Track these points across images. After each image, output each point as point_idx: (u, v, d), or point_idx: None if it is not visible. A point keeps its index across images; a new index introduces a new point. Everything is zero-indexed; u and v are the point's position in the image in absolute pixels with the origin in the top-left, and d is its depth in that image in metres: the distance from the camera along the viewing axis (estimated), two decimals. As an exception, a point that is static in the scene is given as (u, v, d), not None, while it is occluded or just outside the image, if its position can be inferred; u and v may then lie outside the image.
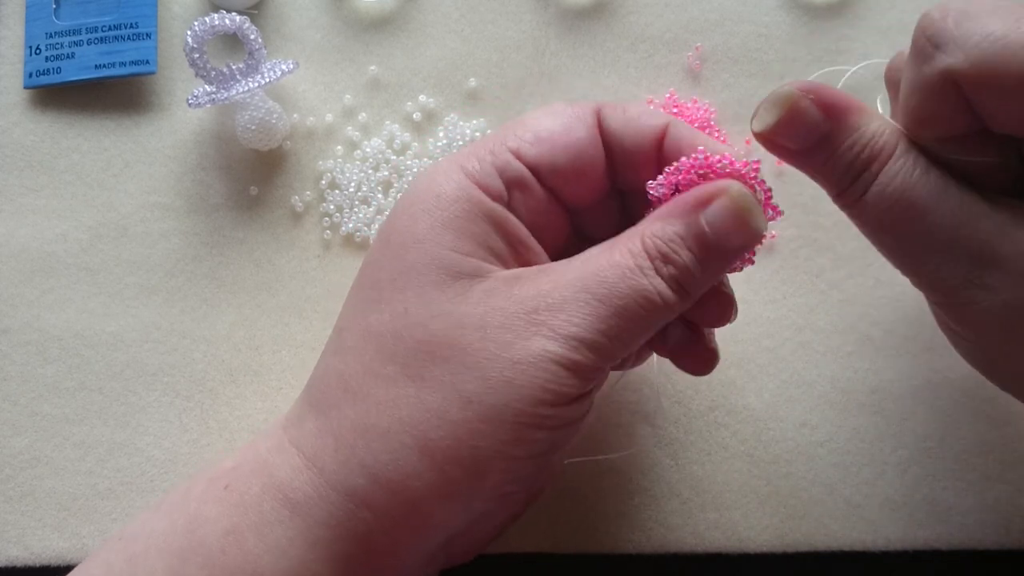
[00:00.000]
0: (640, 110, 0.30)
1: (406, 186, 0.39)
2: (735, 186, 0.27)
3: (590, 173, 0.30)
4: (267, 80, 0.38)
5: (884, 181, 0.26)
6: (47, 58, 0.41)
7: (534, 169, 0.29)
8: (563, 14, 0.41)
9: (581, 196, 0.30)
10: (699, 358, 0.31)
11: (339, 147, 0.40)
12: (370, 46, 0.41)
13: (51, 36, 0.41)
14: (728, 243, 0.27)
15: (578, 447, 0.36)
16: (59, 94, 0.41)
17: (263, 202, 0.40)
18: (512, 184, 0.29)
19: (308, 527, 0.27)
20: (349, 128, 0.40)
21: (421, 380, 0.26)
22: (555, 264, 0.28)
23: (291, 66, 0.39)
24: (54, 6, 0.41)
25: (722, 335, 0.37)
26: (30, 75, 0.41)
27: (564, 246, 0.31)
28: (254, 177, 0.40)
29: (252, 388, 0.38)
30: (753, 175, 0.28)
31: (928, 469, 0.36)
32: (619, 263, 0.27)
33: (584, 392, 0.27)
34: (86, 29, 0.41)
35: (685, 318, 0.30)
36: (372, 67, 0.41)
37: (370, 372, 0.27)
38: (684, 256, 0.27)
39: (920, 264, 0.27)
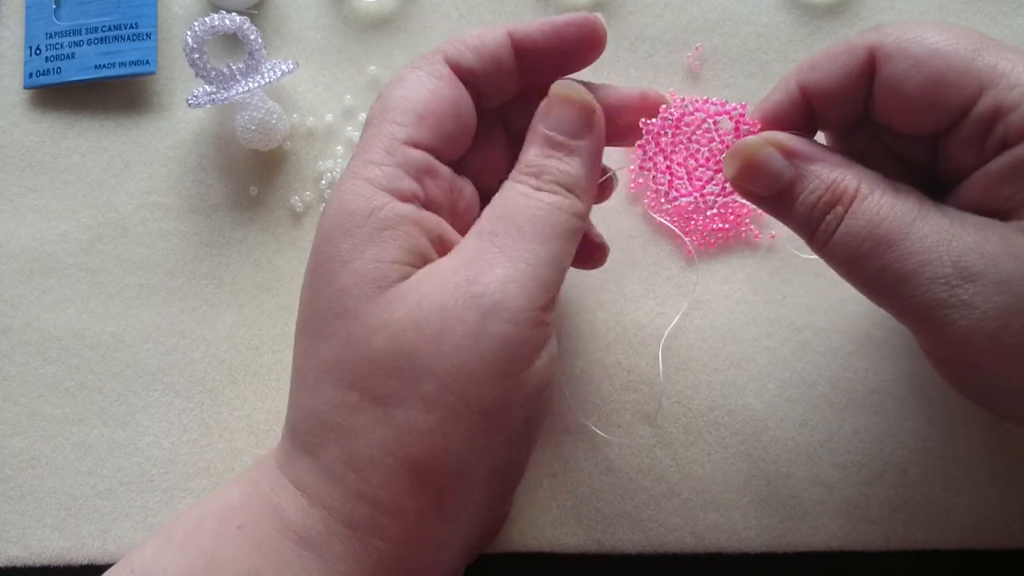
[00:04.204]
0: (479, 35, 0.31)
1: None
2: (552, 86, 0.30)
3: (469, 120, 0.30)
4: (267, 80, 0.38)
5: (851, 221, 0.28)
6: (47, 58, 0.41)
7: (432, 150, 0.29)
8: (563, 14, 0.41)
9: (462, 145, 0.31)
10: (588, 252, 0.35)
11: (339, 147, 0.40)
12: (370, 46, 0.41)
13: (51, 36, 0.41)
14: (567, 127, 0.29)
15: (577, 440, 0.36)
16: (59, 94, 0.41)
17: (263, 202, 0.40)
18: (421, 176, 0.29)
19: (330, 564, 0.27)
20: (349, 128, 0.40)
21: (384, 398, 0.26)
22: (463, 238, 0.29)
23: (291, 66, 0.39)
24: (54, 6, 0.41)
25: (722, 335, 0.37)
26: (30, 75, 0.41)
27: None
28: (254, 177, 0.40)
29: (252, 388, 0.38)
30: (741, 117, 0.31)
31: (928, 469, 0.36)
32: (508, 198, 0.28)
33: (541, 341, 0.27)
34: (86, 29, 0.41)
35: None
36: (372, 67, 0.41)
37: (338, 404, 0.27)
38: (549, 163, 0.29)
39: (896, 295, 0.27)
